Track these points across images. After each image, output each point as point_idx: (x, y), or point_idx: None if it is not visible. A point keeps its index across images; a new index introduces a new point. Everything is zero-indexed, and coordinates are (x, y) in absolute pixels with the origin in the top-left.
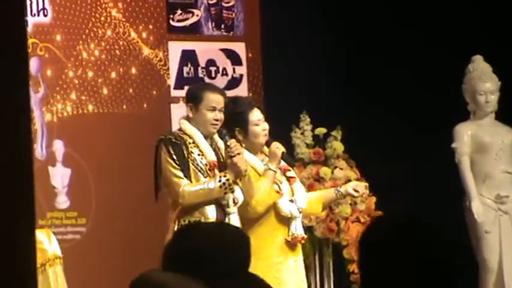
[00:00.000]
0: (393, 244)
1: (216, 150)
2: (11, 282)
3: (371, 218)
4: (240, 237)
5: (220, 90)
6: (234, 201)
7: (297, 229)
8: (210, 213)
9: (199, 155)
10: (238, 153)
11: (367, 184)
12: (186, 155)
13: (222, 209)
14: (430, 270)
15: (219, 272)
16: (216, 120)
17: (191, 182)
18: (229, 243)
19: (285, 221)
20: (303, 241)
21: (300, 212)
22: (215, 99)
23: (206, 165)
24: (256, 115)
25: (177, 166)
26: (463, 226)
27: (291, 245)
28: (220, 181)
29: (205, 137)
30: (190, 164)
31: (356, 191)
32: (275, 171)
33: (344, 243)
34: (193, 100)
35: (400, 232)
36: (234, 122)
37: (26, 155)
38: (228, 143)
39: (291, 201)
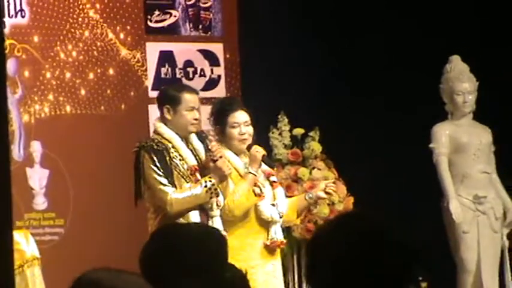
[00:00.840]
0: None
1: (193, 152)
2: None
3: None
4: (216, 236)
5: (195, 90)
6: (217, 204)
7: (277, 233)
8: (194, 217)
9: (180, 160)
10: (221, 157)
11: (334, 180)
12: (168, 162)
13: (205, 212)
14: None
15: (195, 270)
16: (195, 119)
17: (176, 188)
18: (204, 242)
19: (265, 224)
20: (282, 246)
21: (281, 217)
22: (193, 100)
23: (188, 169)
24: (236, 117)
25: (161, 174)
26: (440, 226)
27: (270, 249)
28: (206, 186)
29: (182, 139)
30: (174, 170)
31: (327, 193)
32: (255, 175)
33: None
34: (171, 102)
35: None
36: (216, 119)
37: (3, 156)
38: (210, 147)
39: (273, 205)
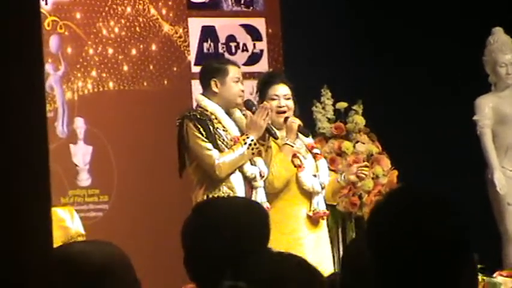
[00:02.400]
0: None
1: (236, 124)
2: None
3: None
4: (257, 209)
5: (237, 63)
6: (260, 175)
7: (319, 204)
8: (239, 186)
9: (224, 131)
10: (263, 111)
11: (367, 163)
12: (212, 131)
13: (248, 182)
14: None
15: (235, 247)
16: (242, 91)
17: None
18: (245, 216)
19: (307, 195)
20: (324, 217)
21: (323, 188)
22: (238, 71)
23: (231, 140)
24: (277, 90)
25: (206, 140)
26: (485, 199)
27: (313, 220)
28: (246, 143)
29: (225, 112)
30: (218, 140)
31: (359, 177)
32: (292, 146)
33: (367, 217)
34: (219, 74)
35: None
36: (260, 93)
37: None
38: (257, 106)
39: (314, 176)
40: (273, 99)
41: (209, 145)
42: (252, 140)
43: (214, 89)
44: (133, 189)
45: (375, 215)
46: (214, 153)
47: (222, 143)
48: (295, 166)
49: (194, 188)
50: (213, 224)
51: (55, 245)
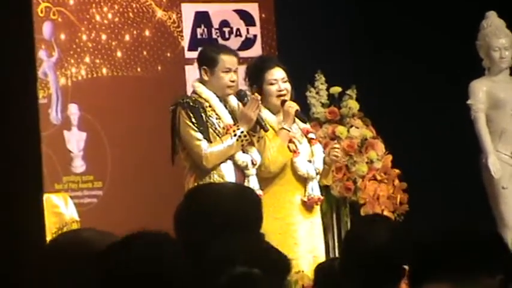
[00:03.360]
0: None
1: (230, 112)
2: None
3: (387, 176)
4: (249, 195)
5: (234, 52)
6: (252, 163)
7: (314, 190)
8: (229, 175)
9: (217, 118)
10: (254, 102)
11: (338, 145)
12: (204, 119)
13: (240, 170)
14: None
15: (227, 229)
16: (232, 81)
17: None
18: (237, 201)
19: (302, 181)
20: (319, 202)
21: (317, 173)
22: (230, 61)
23: (223, 128)
24: (274, 74)
25: (196, 129)
26: (479, 183)
27: (307, 205)
28: (235, 135)
29: (220, 100)
30: (209, 128)
31: (332, 158)
32: (288, 130)
33: (361, 202)
34: (208, 63)
35: None
36: (253, 78)
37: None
38: (248, 97)
39: (309, 161)
40: (272, 84)
41: (199, 135)
42: (242, 132)
43: (204, 77)
44: (127, 175)
45: None
46: (203, 143)
47: (214, 131)
48: (290, 151)
49: (186, 175)
50: (203, 210)
51: (49, 231)
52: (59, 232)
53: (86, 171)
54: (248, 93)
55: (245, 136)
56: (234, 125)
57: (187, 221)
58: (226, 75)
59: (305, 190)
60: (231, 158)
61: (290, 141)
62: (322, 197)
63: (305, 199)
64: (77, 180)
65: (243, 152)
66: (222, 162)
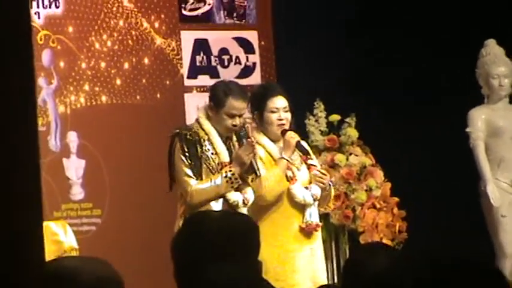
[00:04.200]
0: None
1: (230, 149)
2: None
3: (386, 204)
4: (245, 222)
5: (244, 95)
6: (244, 202)
7: (312, 216)
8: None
9: (213, 153)
10: (249, 147)
11: (324, 171)
12: (199, 153)
13: (231, 208)
14: None
15: (222, 256)
16: (234, 125)
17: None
18: (235, 230)
19: (300, 208)
20: (317, 229)
21: (315, 200)
22: (237, 106)
23: (218, 165)
24: (275, 102)
25: (188, 164)
26: (479, 211)
27: (306, 232)
28: (226, 176)
29: (220, 135)
30: (203, 163)
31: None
32: (288, 160)
33: (360, 230)
34: (215, 102)
35: None
36: (255, 104)
37: (33, 147)
38: (245, 140)
39: (306, 188)
40: (273, 112)
41: (189, 171)
42: (233, 174)
43: (209, 112)
44: (126, 203)
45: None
46: (192, 180)
47: (208, 166)
48: (288, 180)
49: (179, 203)
50: (201, 237)
51: (48, 260)
52: None
53: (85, 198)
54: (244, 140)
55: (236, 179)
56: (230, 163)
57: (182, 247)
58: (229, 119)
59: (303, 217)
60: (220, 196)
61: (288, 168)
62: (320, 223)
63: (303, 226)
64: (76, 207)
65: (236, 191)
66: (209, 201)
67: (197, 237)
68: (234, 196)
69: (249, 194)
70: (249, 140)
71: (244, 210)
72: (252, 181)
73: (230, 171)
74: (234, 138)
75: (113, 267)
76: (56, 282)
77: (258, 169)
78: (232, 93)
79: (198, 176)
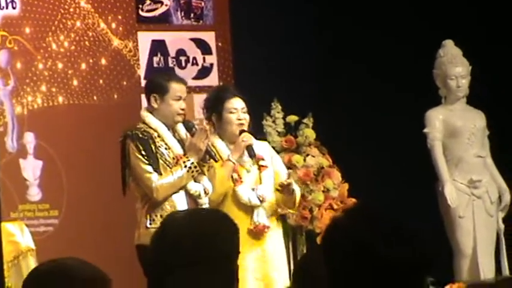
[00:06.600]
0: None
1: (180, 142)
2: None
3: (344, 205)
4: (223, 223)
5: (183, 80)
6: (205, 192)
7: (259, 217)
8: (181, 204)
9: (166, 148)
10: (202, 133)
11: (289, 181)
12: (154, 150)
13: (193, 200)
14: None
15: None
16: (182, 109)
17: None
18: (201, 228)
19: (248, 210)
20: (266, 230)
21: (261, 201)
22: (180, 89)
23: (173, 158)
24: (234, 103)
25: (146, 161)
26: (436, 211)
27: (254, 234)
28: (186, 166)
29: (168, 129)
30: (159, 159)
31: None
32: (234, 163)
33: (318, 231)
34: (159, 90)
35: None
36: (212, 107)
37: None
38: (196, 128)
39: (253, 189)
40: (232, 113)
41: (149, 167)
42: (192, 163)
43: (154, 104)
44: (83, 204)
45: (330, 233)
46: (153, 176)
47: (164, 162)
48: (233, 181)
49: (138, 206)
50: (172, 239)
51: (5, 260)
52: (15, 261)
53: (42, 199)
54: (196, 123)
55: (195, 167)
56: (184, 155)
57: (155, 250)
58: (176, 102)
59: (251, 218)
60: (183, 187)
61: (234, 170)
62: (268, 224)
63: (251, 227)
64: (33, 208)
65: (195, 181)
66: (174, 193)
67: (168, 241)
68: (194, 187)
69: (207, 183)
70: (201, 126)
71: (205, 200)
72: (208, 170)
73: (188, 160)
74: (181, 131)
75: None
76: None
77: (215, 154)
78: (172, 77)
79: (158, 172)
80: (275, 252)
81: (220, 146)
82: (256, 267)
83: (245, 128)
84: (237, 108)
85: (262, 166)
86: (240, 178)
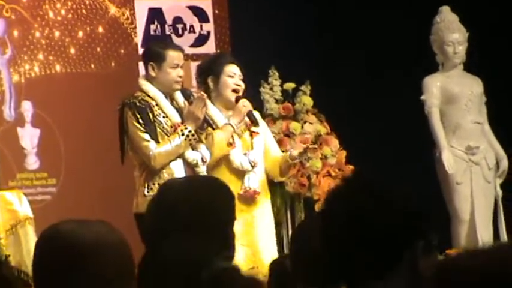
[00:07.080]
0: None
1: (178, 110)
2: None
3: (342, 172)
4: (213, 189)
5: (180, 48)
6: (202, 160)
7: (250, 182)
8: (179, 172)
9: (164, 117)
10: (200, 101)
11: (305, 146)
12: (152, 119)
13: (191, 168)
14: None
15: (190, 225)
16: (180, 77)
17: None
18: (197, 195)
19: (240, 174)
20: (256, 195)
21: (253, 166)
22: (177, 57)
23: (171, 127)
24: (232, 69)
25: (144, 130)
26: (434, 178)
27: (245, 198)
28: (183, 134)
29: (166, 97)
30: (157, 127)
31: (302, 155)
32: (233, 127)
33: (315, 198)
34: (156, 58)
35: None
36: (210, 70)
37: None
38: (194, 96)
39: (245, 154)
40: (230, 77)
41: (146, 135)
42: (190, 131)
43: (152, 73)
44: (81, 172)
45: (328, 202)
46: (151, 144)
47: (162, 130)
48: (228, 145)
49: (136, 174)
50: (168, 205)
51: (3, 228)
52: (13, 229)
53: (40, 168)
54: (194, 91)
55: (193, 135)
56: (182, 123)
57: (151, 217)
58: (174, 70)
59: (242, 183)
60: (181, 155)
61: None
62: (258, 190)
63: (241, 192)
64: (31, 177)
65: (192, 150)
66: (171, 161)
67: (164, 208)
68: (192, 155)
69: (205, 151)
70: (198, 95)
71: (203, 169)
72: (206, 138)
73: (186, 128)
74: (179, 99)
75: (115, 231)
76: (54, 242)
77: (213, 122)
78: (169, 45)
79: (155, 141)
80: (263, 220)
81: (215, 113)
82: (243, 232)
83: (240, 94)
84: (235, 73)
85: (254, 132)
86: (234, 142)
